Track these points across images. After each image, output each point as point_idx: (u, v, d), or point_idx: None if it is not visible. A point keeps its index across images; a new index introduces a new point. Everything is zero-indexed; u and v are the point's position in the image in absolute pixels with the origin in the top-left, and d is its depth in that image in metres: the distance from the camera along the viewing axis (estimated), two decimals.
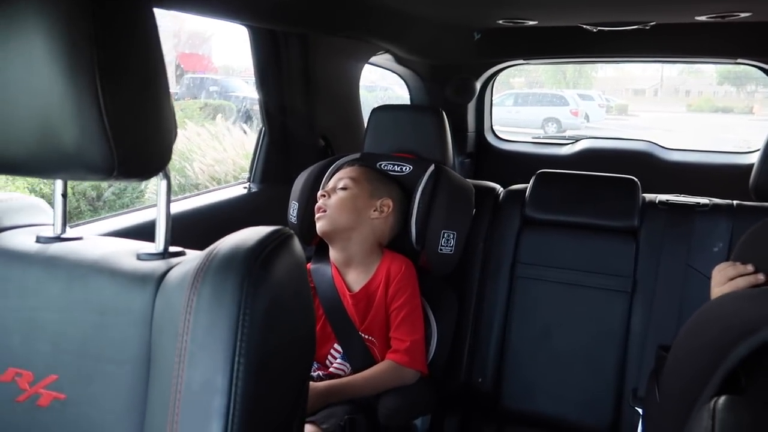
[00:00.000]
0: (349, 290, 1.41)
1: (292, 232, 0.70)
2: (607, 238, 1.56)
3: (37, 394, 0.70)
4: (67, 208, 0.83)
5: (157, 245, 0.75)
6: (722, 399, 0.51)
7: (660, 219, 1.53)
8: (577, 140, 2.87)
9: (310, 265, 1.50)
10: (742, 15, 1.61)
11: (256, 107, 1.82)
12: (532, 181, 1.67)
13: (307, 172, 1.59)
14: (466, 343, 1.60)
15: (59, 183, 0.82)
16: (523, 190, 1.67)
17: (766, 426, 0.47)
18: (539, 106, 12.94)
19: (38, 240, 0.79)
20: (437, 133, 1.58)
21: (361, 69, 2.05)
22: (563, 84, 17.89)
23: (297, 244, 0.70)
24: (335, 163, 1.58)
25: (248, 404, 0.59)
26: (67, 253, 0.75)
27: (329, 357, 1.42)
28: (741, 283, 0.83)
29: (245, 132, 5.28)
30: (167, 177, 0.74)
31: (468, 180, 1.60)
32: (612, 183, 1.62)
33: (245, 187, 1.81)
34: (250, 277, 0.62)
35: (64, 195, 0.82)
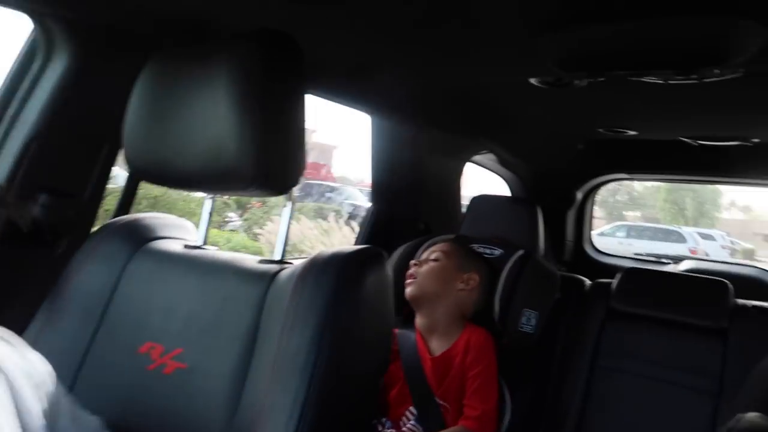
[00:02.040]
0: (430, 354, 1.49)
1: (383, 251, 0.85)
2: (694, 337, 1.53)
3: (164, 364, 0.86)
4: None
5: (276, 254, 0.92)
6: (751, 413, 0.55)
7: (753, 323, 1.49)
8: (681, 260, 2.81)
9: (396, 331, 1.61)
10: None
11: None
12: (620, 275, 1.70)
13: (403, 246, 1.74)
14: (541, 425, 1.59)
15: (207, 204, 1.03)
16: (610, 283, 1.70)
17: None
18: (653, 241, 12.44)
19: (185, 247, 1.00)
20: (530, 224, 1.69)
21: (465, 164, 2.23)
22: (681, 222, 17.17)
23: (386, 261, 0.85)
24: (431, 240, 1.72)
25: (329, 372, 0.71)
26: (205, 256, 0.95)
27: (404, 418, 1.47)
28: None
29: (353, 230, 5.62)
30: (292, 200, 0.92)
31: (555, 269, 1.67)
32: (701, 283, 1.61)
33: None
34: (344, 273, 0.77)
35: (211, 213, 1.04)
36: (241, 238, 5.77)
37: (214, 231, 5.05)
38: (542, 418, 1.60)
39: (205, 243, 1.02)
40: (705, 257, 9.52)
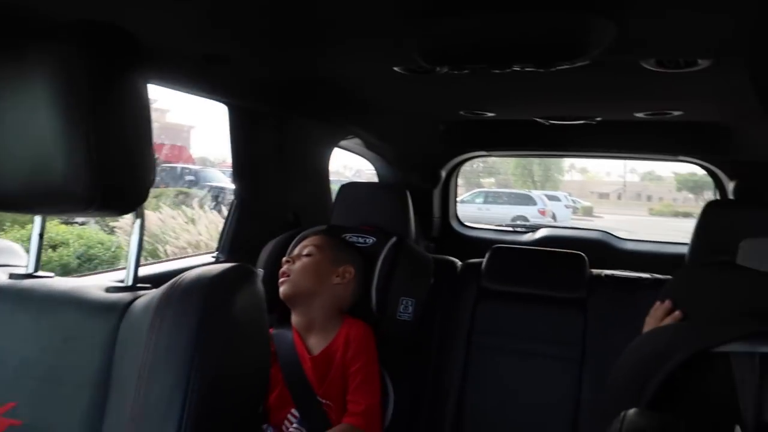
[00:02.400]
0: (309, 353, 1.44)
1: (253, 268, 0.77)
2: (558, 309, 1.64)
3: None
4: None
5: (127, 278, 0.80)
6: (632, 410, 0.57)
7: (606, 292, 1.62)
8: (537, 229, 3.01)
9: (272, 330, 1.54)
10: (675, 113, 1.80)
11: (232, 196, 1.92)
12: (488, 255, 1.77)
13: (273, 242, 1.66)
14: (424, 410, 1.62)
15: (37, 222, 0.88)
16: (480, 263, 1.76)
17: (665, 428, 0.54)
18: (508, 204, 13.39)
19: (11, 276, 0.84)
20: (400, 210, 1.69)
21: (332, 150, 2.18)
22: (531, 186, 18.65)
23: (257, 280, 0.77)
24: (302, 234, 1.66)
25: (202, 416, 0.63)
26: (37, 288, 0.80)
27: (286, 422, 1.42)
28: (667, 322, 0.92)
29: (221, 214, 5.34)
30: (141, 216, 0.81)
31: (428, 254, 1.69)
32: (561, 257, 1.73)
33: (213, 257, 1.87)
34: (212, 300, 0.68)
35: (41, 235, 0.88)
36: (94, 232, 5.24)
37: (61, 228, 4.52)
38: (424, 402, 1.62)
39: (36, 270, 0.87)
40: (558, 224, 10.47)
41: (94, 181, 0.67)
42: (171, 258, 1.93)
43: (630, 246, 2.80)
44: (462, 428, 1.62)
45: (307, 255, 1.50)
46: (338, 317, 1.48)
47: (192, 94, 1.51)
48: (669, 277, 1.62)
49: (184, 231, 5.12)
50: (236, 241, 1.89)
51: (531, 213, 12.46)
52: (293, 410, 1.42)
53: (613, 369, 0.78)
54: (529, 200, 13.78)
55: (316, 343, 1.45)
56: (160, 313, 0.68)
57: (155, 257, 4.45)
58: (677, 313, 0.91)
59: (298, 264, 1.48)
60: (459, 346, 1.66)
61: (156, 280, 0.77)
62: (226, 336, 0.68)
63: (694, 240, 1.40)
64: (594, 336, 1.58)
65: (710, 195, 2.84)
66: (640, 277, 1.64)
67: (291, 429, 1.40)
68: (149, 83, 0.76)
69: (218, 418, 0.66)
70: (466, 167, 3.21)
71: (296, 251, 1.54)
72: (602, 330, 1.57)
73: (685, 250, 2.31)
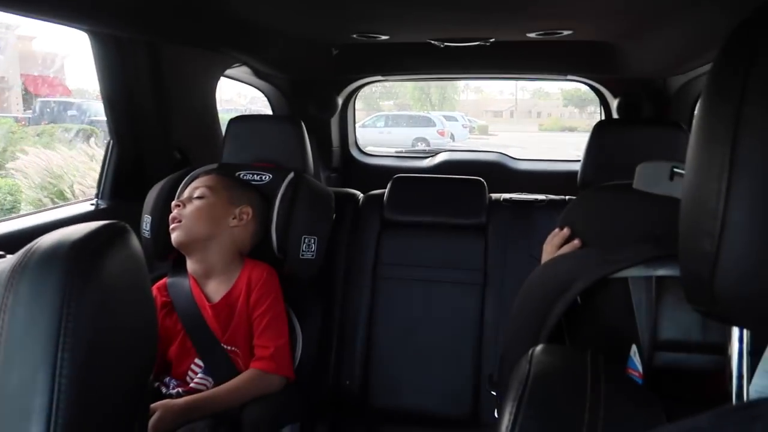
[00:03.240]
0: (209, 301, 1.37)
1: (126, 225, 0.68)
2: (459, 236, 1.66)
3: None
4: None
5: None
6: (539, 346, 0.56)
7: (505, 215, 1.66)
8: (436, 153, 3.03)
9: (167, 280, 1.44)
10: (565, 33, 1.81)
11: None
12: (389, 186, 1.74)
13: (160, 184, 1.53)
14: (333, 346, 1.62)
15: None
16: (382, 195, 1.73)
17: (574, 362, 0.53)
18: (408, 127, 13.48)
19: None
20: (296, 143, 1.60)
21: (217, 81, 2.01)
22: (429, 107, 18.83)
23: (131, 238, 0.67)
24: (191, 174, 1.54)
25: (74, 403, 0.55)
26: None
27: (189, 372, 1.36)
28: (564, 250, 0.93)
29: None
30: None
31: (329, 188, 1.63)
32: (461, 184, 1.73)
33: (93, 204, 1.70)
34: (76, 269, 0.58)
35: None
36: None
37: None
38: (334, 339, 1.62)
39: None
40: (456, 144, 10.65)
41: None
42: (40, 210, 1.73)
43: (524, 166, 2.89)
44: (372, 360, 1.64)
45: (199, 197, 1.39)
46: (238, 261, 1.41)
47: (49, 21, 1.29)
48: (563, 197, 1.69)
49: (90, 170, 4.68)
50: (118, 186, 1.73)
51: (431, 134, 12.65)
52: (197, 360, 1.35)
53: (516, 301, 0.78)
54: (428, 122, 13.93)
55: (216, 290, 1.38)
56: (11, 288, 0.57)
57: (64, 199, 4.04)
58: (576, 241, 0.92)
59: (189, 207, 1.37)
60: (365, 279, 1.65)
61: (31, 238, 0.64)
62: (96, 310, 0.59)
63: (585, 160, 1.44)
64: (495, 259, 1.62)
65: (593, 109, 2.96)
66: (536, 199, 1.68)
67: (196, 379, 1.34)
68: None
69: (96, 401, 0.59)
70: (364, 91, 3.12)
71: (186, 193, 1.43)
72: (502, 253, 1.62)
73: (575, 167, 2.41)
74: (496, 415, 1.48)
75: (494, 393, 1.52)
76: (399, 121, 14.30)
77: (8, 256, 0.70)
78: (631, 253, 0.64)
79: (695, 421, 0.31)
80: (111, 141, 1.73)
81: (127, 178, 1.75)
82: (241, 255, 1.42)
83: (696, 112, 0.47)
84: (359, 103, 3.05)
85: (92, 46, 1.53)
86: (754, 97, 0.39)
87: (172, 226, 1.37)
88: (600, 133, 1.44)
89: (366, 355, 1.63)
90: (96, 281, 0.59)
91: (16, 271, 0.59)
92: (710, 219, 0.41)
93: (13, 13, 1.19)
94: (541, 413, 0.47)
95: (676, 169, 0.63)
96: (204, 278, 1.39)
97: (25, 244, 0.61)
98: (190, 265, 1.40)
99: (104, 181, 1.74)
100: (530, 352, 0.56)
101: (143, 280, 0.69)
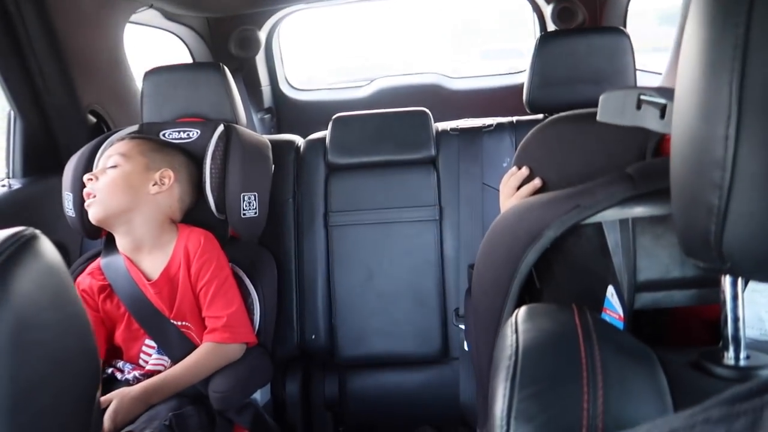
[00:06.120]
0: (148, 279, 1.26)
1: (35, 231, 0.56)
2: (410, 172, 1.59)
3: None
4: None
5: None
6: (522, 310, 0.51)
7: (453, 145, 1.59)
8: (371, 81, 2.89)
9: (100, 260, 1.32)
10: None
11: None
12: (329, 127, 1.63)
13: (77, 156, 1.38)
14: (294, 303, 1.55)
15: None
16: (323, 138, 1.63)
17: (562, 325, 0.48)
18: None
19: None
20: (222, 91, 1.46)
21: (122, 29, 1.80)
22: None
23: (45, 245, 0.56)
24: (108, 140, 1.39)
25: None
26: None
27: (142, 354, 1.27)
28: (524, 191, 0.87)
29: None
30: None
31: (265, 136, 1.51)
32: (405, 117, 1.64)
33: (3, 185, 1.52)
34: None
35: None
36: None
37: None
38: (294, 295, 1.55)
39: None
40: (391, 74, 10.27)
41: None
42: None
43: (461, 84, 2.80)
44: (336, 311, 1.59)
45: (113, 167, 1.25)
46: (170, 230, 1.30)
47: None
48: (512, 119, 1.63)
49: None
50: (30, 161, 1.56)
51: None
52: (147, 341, 1.27)
53: (481, 248, 0.72)
54: None
55: (153, 265, 1.27)
56: None
57: None
58: (536, 180, 0.86)
59: (103, 180, 1.24)
60: (317, 229, 1.58)
61: None
62: (17, 336, 0.49)
63: (530, 77, 1.36)
64: (448, 192, 1.56)
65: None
66: (484, 125, 1.61)
67: (151, 361, 1.26)
68: None
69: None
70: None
71: (100, 164, 1.29)
72: (455, 185, 1.56)
73: (510, 80, 2.34)
74: (465, 347, 1.48)
75: (462, 327, 1.52)
76: None
77: None
78: (604, 195, 0.59)
79: (705, 411, 0.27)
80: (11, 112, 1.54)
81: (39, 151, 1.57)
82: (173, 223, 1.31)
83: (683, 36, 0.40)
84: None
85: None
86: (765, 12, 0.32)
87: (87, 203, 1.24)
88: (543, 46, 1.36)
89: (328, 307, 1.58)
90: (6, 310, 0.49)
91: None
92: (716, 169, 0.35)
93: None
94: (537, 392, 0.43)
95: (643, 97, 0.56)
96: (136, 253, 1.28)
97: None
98: (119, 241, 1.28)
99: (12, 157, 1.56)
100: (514, 317, 0.51)
101: (66, 291, 0.59)
